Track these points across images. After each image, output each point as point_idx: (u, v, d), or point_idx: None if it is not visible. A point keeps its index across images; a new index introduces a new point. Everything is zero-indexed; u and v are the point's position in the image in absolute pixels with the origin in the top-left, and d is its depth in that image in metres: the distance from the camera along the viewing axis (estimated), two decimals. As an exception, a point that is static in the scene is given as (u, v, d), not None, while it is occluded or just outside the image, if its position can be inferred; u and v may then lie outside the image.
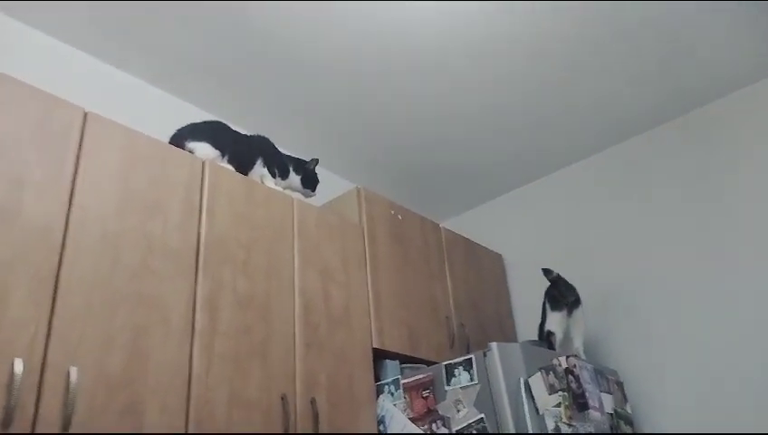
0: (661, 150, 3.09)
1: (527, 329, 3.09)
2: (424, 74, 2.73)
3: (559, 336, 2.61)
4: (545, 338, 2.62)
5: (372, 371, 2.39)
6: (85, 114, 1.88)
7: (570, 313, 2.68)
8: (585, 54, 2.65)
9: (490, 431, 2.09)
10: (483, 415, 2.13)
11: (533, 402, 2.12)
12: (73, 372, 1.56)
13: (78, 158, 1.81)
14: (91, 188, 1.81)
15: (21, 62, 2.18)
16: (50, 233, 1.67)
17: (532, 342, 2.69)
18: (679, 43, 2.61)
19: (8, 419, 1.43)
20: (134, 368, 1.70)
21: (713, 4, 2.42)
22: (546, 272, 2.72)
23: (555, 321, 2.65)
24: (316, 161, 2.66)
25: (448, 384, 2.25)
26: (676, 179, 2.99)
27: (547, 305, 2.71)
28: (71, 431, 1.51)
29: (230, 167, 2.31)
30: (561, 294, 2.69)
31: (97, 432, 1.57)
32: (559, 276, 2.71)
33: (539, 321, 2.75)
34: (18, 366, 1.47)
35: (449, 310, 2.87)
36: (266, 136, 2.57)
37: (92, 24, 2.38)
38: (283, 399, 2.01)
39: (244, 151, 2.41)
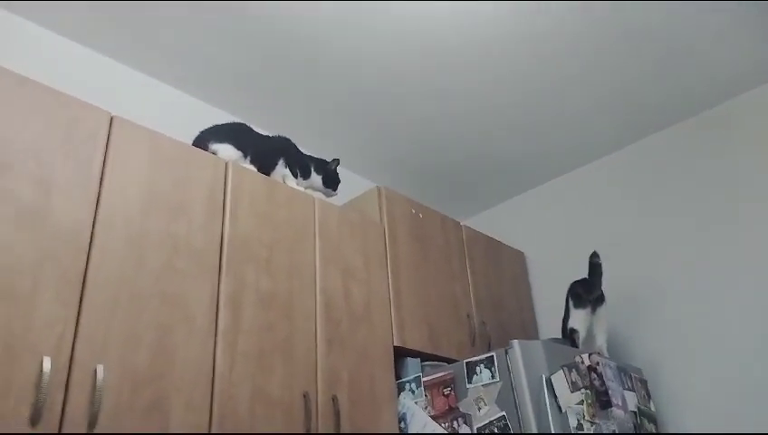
0: (685, 146, 3.04)
1: (549, 326, 3.08)
2: (442, 73, 2.73)
3: (582, 334, 2.59)
4: (568, 336, 2.60)
5: (393, 368, 2.40)
6: (111, 118, 1.92)
7: (593, 310, 2.66)
8: (610, 49, 2.63)
9: (512, 429, 2.09)
10: (504, 413, 2.13)
11: (556, 400, 2.11)
12: (100, 369, 1.60)
13: (104, 160, 1.86)
14: (118, 190, 1.85)
15: (47, 68, 2.24)
16: (77, 234, 1.71)
17: (555, 339, 2.68)
18: (706, 35, 2.58)
19: (37, 416, 1.47)
20: (159, 366, 1.74)
21: (723, 4, 2.40)
22: (593, 254, 2.69)
23: (579, 318, 2.63)
24: (337, 162, 2.68)
25: (470, 382, 2.26)
26: (700, 175, 2.95)
27: (570, 302, 2.69)
28: (97, 429, 1.55)
29: (252, 167, 2.34)
30: (585, 291, 2.66)
31: (123, 431, 1.61)
32: (596, 267, 2.69)
33: (561, 318, 2.74)
34: (47, 364, 1.51)
35: (470, 308, 2.88)
36: (287, 137, 2.59)
37: (117, 29, 2.43)
38: (305, 396, 2.03)
39: (266, 152, 2.44)
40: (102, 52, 2.53)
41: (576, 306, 2.66)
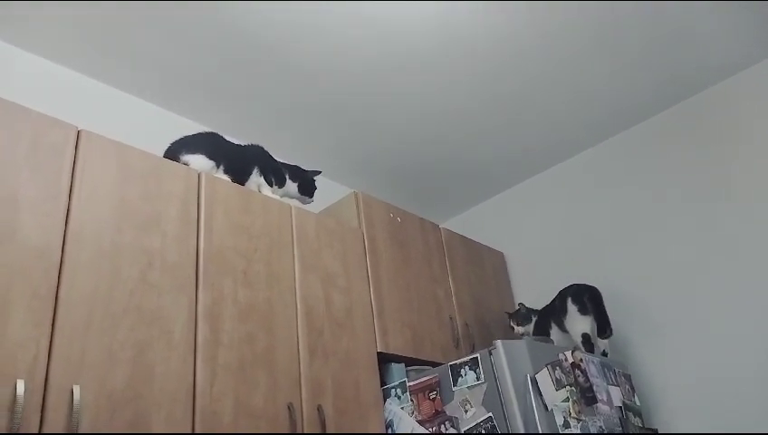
0: (663, 139, 3.05)
1: (532, 326, 3.08)
2: (417, 74, 2.72)
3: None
4: (583, 343, 2.58)
5: (378, 375, 2.38)
6: (78, 132, 1.88)
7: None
8: (581, 46, 2.64)
9: (499, 430, 2.08)
10: (491, 414, 2.12)
11: (541, 398, 2.11)
12: (76, 390, 1.55)
13: (72, 175, 1.81)
14: (87, 206, 1.81)
15: (11, 83, 2.19)
16: (47, 252, 1.67)
17: (537, 338, 2.68)
18: (674, 29, 2.59)
19: (12, 441, 1.42)
20: (137, 383, 1.69)
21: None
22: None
23: (588, 324, 2.63)
24: (318, 173, 2.67)
25: (455, 385, 2.24)
26: (680, 168, 2.95)
27: (574, 306, 2.67)
28: (75, 450, 1.51)
29: (226, 177, 2.30)
30: (593, 304, 2.67)
31: (103, 450, 1.56)
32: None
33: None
34: (20, 388, 1.46)
35: (452, 310, 2.86)
36: (261, 145, 2.56)
37: (80, 41, 2.38)
38: (289, 407, 2.00)
39: (239, 161, 2.40)
40: (68, 65, 2.48)
41: (582, 313, 2.66)
